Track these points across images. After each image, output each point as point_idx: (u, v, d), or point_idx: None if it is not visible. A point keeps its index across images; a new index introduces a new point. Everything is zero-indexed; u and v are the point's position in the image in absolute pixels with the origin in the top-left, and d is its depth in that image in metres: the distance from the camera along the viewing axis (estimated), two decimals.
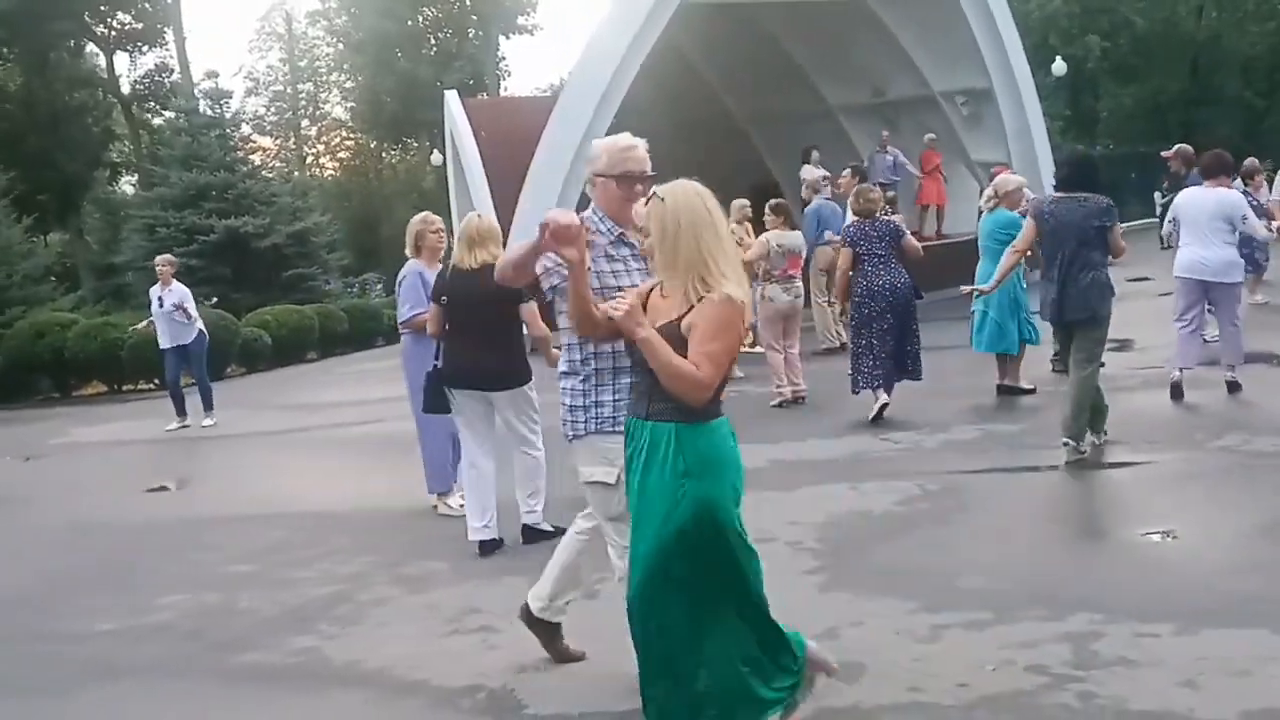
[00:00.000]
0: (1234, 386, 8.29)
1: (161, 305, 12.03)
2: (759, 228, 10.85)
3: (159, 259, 12.68)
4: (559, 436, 3.98)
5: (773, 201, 10.35)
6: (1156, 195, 23.45)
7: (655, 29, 16.10)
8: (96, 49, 40.25)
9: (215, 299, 21.90)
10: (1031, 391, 8.95)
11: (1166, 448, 7.01)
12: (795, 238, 10.20)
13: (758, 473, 7.18)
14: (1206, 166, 8.55)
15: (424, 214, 7.35)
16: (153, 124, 41.28)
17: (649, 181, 3.71)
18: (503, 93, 44.38)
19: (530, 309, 5.78)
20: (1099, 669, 3.89)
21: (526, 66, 70.72)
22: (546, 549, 4.62)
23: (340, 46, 48.41)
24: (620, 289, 3.57)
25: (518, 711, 4.02)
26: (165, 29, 39.61)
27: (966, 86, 18.97)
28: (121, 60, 41.19)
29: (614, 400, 3.71)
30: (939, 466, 7.06)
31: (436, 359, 6.15)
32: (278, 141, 49.82)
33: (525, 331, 5.95)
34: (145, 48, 40.78)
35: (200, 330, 12.28)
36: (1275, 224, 10.32)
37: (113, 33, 39.81)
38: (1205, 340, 8.74)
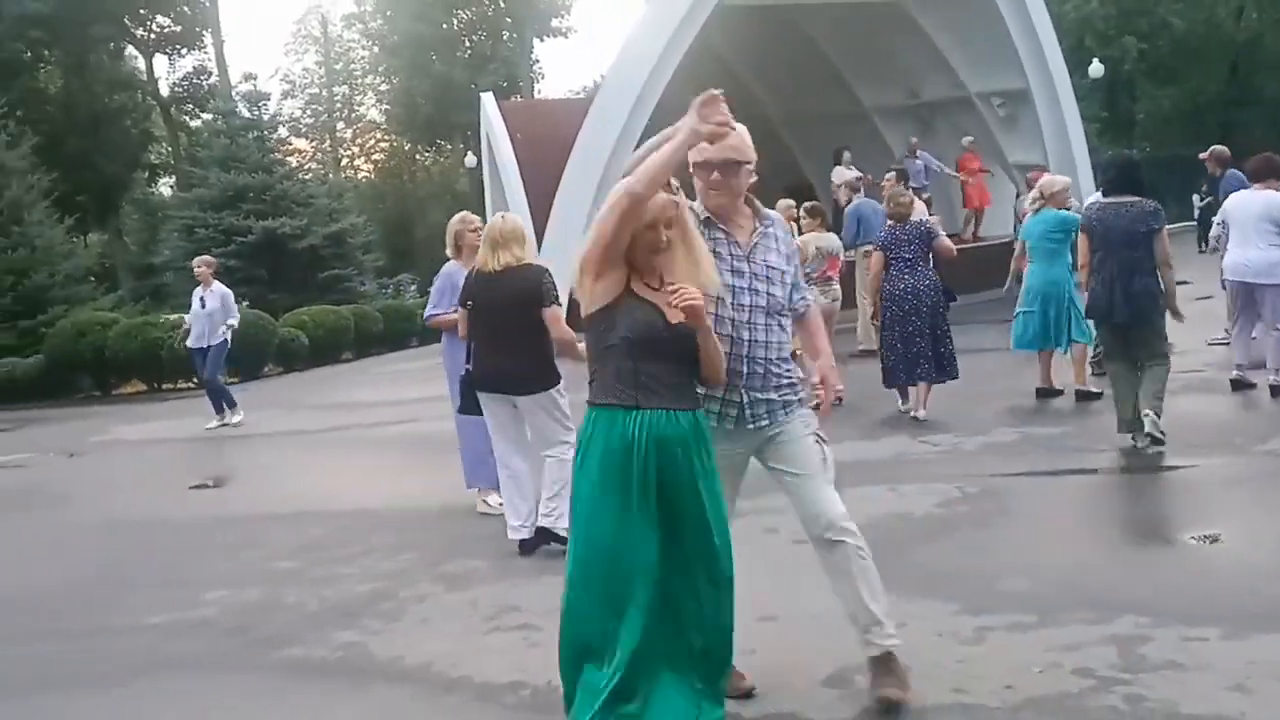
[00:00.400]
0: (1277, 390, 8.22)
1: (203, 306, 12.15)
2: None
3: (197, 260, 12.74)
4: None
5: (808, 204, 10.36)
6: (1195, 198, 23.24)
7: (691, 30, 16.14)
8: (136, 52, 40.76)
9: (247, 301, 22.09)
10: (1099, 396, 8.72)
11: (1209, 452, 6.94)
12: (832, 240, 10.23)
13: None
14: (1255, 170, 8.60)
15: (463, 214, 7.36)
16: (191, 126, 41.76)
17: (724, 168, 3.73)
18: (537, 95, 44.53)
19: (553, 313, 5.75)
20: (1147, 672, 3.86)
21: (561, 69, 70.99)
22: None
23: (375, 49, 48.73)
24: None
25: (560, 708, 4.03)
26: (204, 32, 40.10)
27: (1003, 88, 18.88)
28: (160, 63, 41.72)
29: None
30: (978, 469, 7.03)
31: (468, 362, 6.17)
32: (313, 143, 50.21)
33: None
34: (184, 50, 41.26)
35: (223, 337, 12.29)
36: None
37: (152, 36, 40.30)
38: (1252, 338, 8.74)
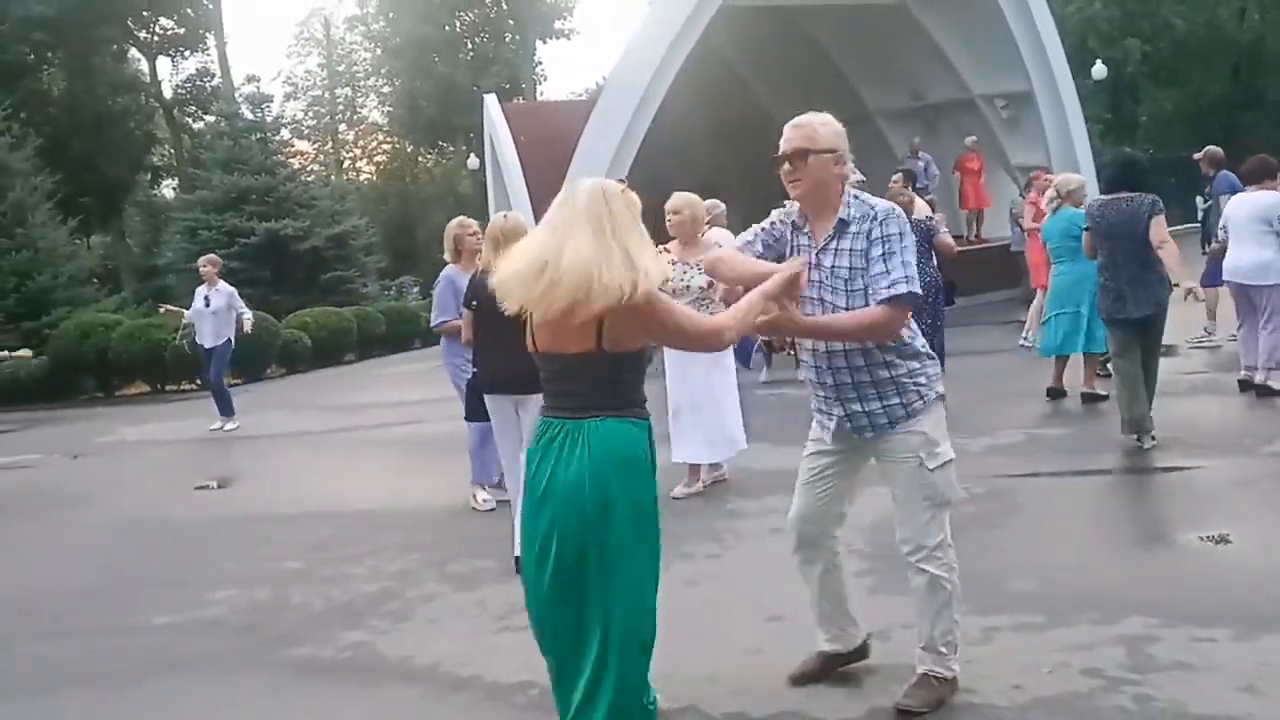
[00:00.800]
0: (1265, 390, 8.33)
1: (208, 305, 12.15)
2: None
3: (202, 260, 12.75)
4: None
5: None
6: (1198, 200, 23.19)
7: (694, 32, 16.14)
8: (139, 54, 40.83)
9: (250, 302, 22.10)
10: (1105, 398, 8.69)
11: (1216, 453, 6.94)
12: None
13: None
14: (1249, 171, 8.66)
15: (460, 218, 7.47)
16: (194, 128, 41.79)
17: (793, 157, 3.68)
18: (539, 97, 44.56)
19: None
20: (1155, 673, 3.86)
21: (563, 71, 71.03)
22: None
23: (378, 51, 48.76)
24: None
25: None
26: (207, 34, 40.16)
27: (1006, 90, 18.87)
28: (164, 65, 41.78)
29: None
30: (984, 470, 7.02)
31: (474, 365, 6.18)
32: (316, 145, 50.25)
33: None
34: (187, 53, 41.33)
35: (227, 337, 12.32)
36: None
37: (155, 38, 40.36)
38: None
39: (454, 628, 5.05)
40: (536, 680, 4.25)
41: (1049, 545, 5.52)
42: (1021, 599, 4.69)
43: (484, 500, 7.29)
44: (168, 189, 43.92)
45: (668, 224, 7.17)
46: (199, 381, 16.47)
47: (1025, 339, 11.88)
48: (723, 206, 8.98)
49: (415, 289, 35.71)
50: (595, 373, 3.25)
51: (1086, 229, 7.56)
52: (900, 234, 3.59)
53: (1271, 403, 8.17)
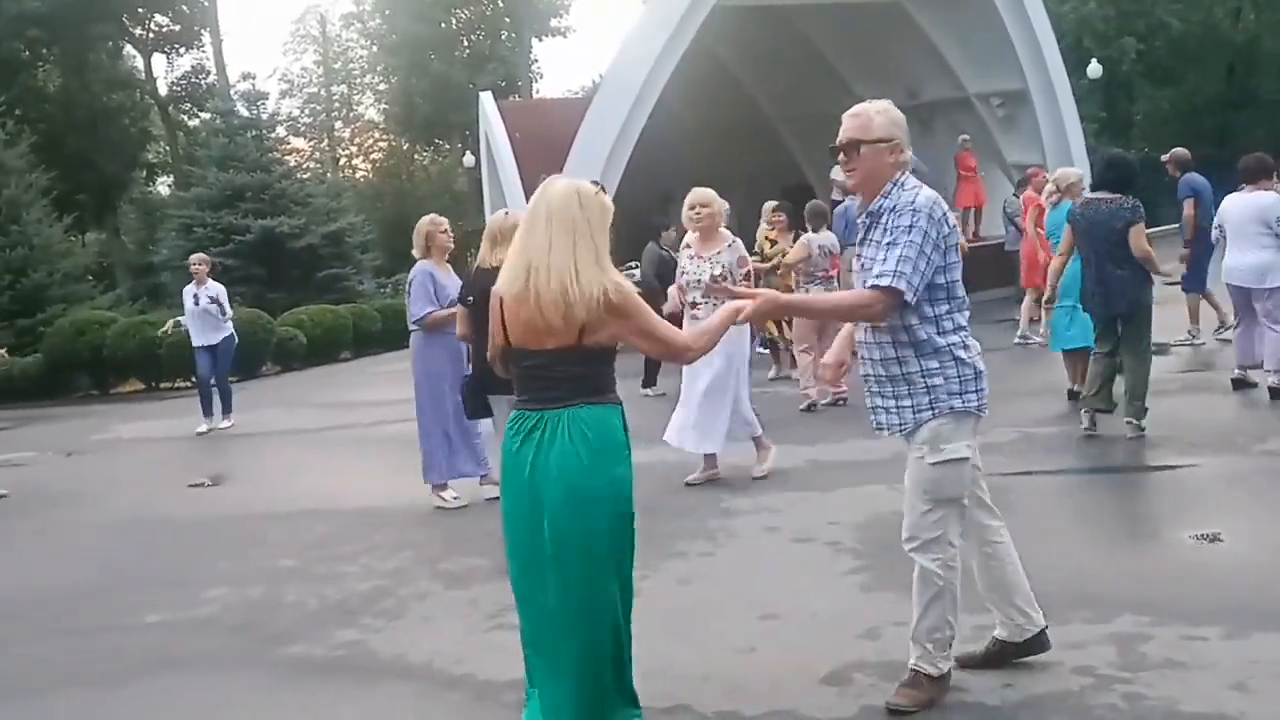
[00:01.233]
0: (1275, 392, 8.25)
1: (197, 303, 12.10)
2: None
3: (193, 257, 12.67)
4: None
5: (811, 206, 10.60)
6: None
7: (689, 31, 16.14)
8: (134, 51, 40.67)
9: (241, 300, 22.07)
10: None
11: (1209, 452, 6.96)
12: (834, 238, 10.44)
13: (796, 473, 7.21)
14: (1247, 169, 8.65)
15: (431, 215, 7.65)
16: (189, 125, 41.68)
17: (845, 148, 3.70)
18: (535, 95, 44.50)
19: None
20: (1147, 671, 3.87)
21: (559, 68, 70.94)
22: None
23: (374, 49, 48.65)
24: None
25: None
26: (202, 31, 40.03)
27: (1001, 88, 18.88)
28: (159, 62, 41.63)
29: None
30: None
31: (468, 364, 6.16)
32: (311, 143, 50.14)
33: None
34: (182, 50, 41.17)
35: (230, 333, 12.30)
36: None
37: (150, 35, 40.23)
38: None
39: (447, 626, 5.05)
40: None
41: (1041, 543, 5.50)
42: None
43: (453, 498, 7.38)
44: (163, 186, 43.81)
45: (688, 218, 7.19)
46: (193, 380, 16.46)
47: (1021, 336, 11.92)
48: (727, 206, 9.00)
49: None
50: (574, 365, 3.33)
51: (1069, 222, 7.65)
52: (910, 227, 3.56)
53: (1268, 402, 8.18)
